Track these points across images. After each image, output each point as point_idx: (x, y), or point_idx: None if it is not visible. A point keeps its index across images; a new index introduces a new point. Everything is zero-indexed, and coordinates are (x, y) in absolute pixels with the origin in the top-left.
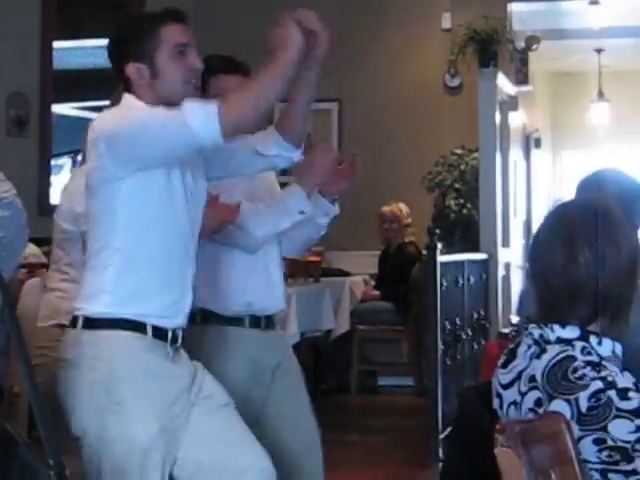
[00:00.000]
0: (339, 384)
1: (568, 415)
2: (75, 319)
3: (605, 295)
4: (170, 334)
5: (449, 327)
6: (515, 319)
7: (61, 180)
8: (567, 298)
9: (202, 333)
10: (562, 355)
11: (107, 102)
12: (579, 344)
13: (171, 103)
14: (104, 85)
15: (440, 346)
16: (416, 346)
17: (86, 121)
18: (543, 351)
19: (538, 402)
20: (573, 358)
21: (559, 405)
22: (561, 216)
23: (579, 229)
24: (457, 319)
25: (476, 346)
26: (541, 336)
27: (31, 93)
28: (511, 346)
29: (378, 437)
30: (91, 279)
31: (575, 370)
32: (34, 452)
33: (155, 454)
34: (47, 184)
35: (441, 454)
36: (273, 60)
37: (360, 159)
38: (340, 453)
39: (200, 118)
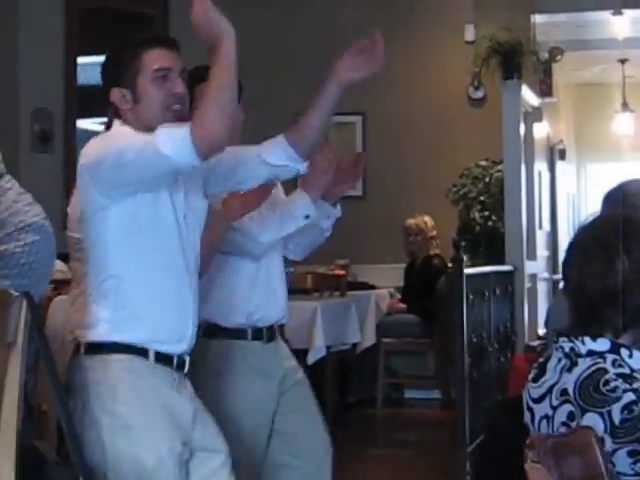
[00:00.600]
0: (365, 397)
1: (601, 428)
2: (77, 346)
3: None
4: (175, 360)
5: (475, 340)
6: (542, 332)
7: None
8: (604, 305)
9: (205, 348)
10: (593, 368)
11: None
12: (610, 357)
13: (153, 128)
14: None
15: (466, 359)
16: (442, 359)
17: None
18: (574, 364)
19: (570, 416)
20: (605, 371)
21: (592, 418)
22: (596, 227)
23: (614, 239)
24: (483, 332)
25: (503, 359)
26: (572, 349)
27: (55, 108)
28: (541, 360)
29: (404, 450)
30: (89, 308)
31: (607, 382)
32: (64, 470)
33: (165, 476)
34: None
35: (468, 467)
36: (216, 61)
37: (365, 158)
38: (366, 466)
39: (172, 144)
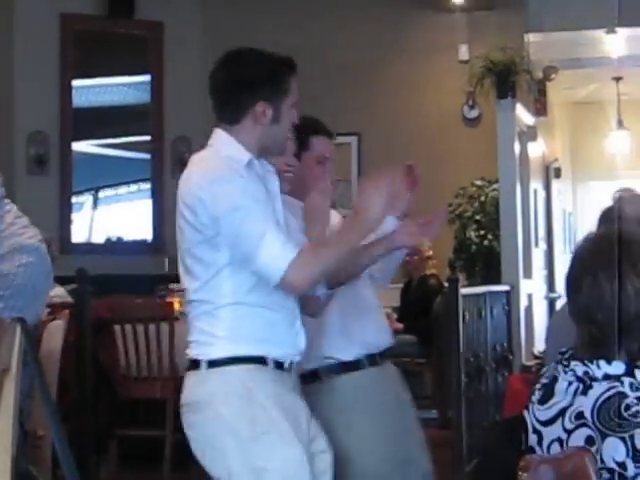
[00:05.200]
0: None
1: (623, 452)
2: (196, 362)
3: None
4: (288, 366)
5: (471, 359)
6: (538, 351)
7: (82, 218)
8: (615, 332)
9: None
10: (612, 392)
11: (126, 139)
12: (627, 380)
13: (269, 151)
14: (123, 122)
15: (463, 378)
16: (439, 379)
17: (106, 158)
18: (589, 387)
19: (589, 440)
20: (624, 395)
21: (613, 443)
22: (599, 248)
23: (622, 260)
24: (479, 351)
25: (499, 378)
26: (586, 373)
27: (51, 131)
28: (544, 381)
29: None
30: (203, 327)
31: (628, 407)
32: None
33: (305, 476)
34: (68, 222)
35: None
36: (352, 226)
37: (417, 169)
38: None
39: (273, 254)
